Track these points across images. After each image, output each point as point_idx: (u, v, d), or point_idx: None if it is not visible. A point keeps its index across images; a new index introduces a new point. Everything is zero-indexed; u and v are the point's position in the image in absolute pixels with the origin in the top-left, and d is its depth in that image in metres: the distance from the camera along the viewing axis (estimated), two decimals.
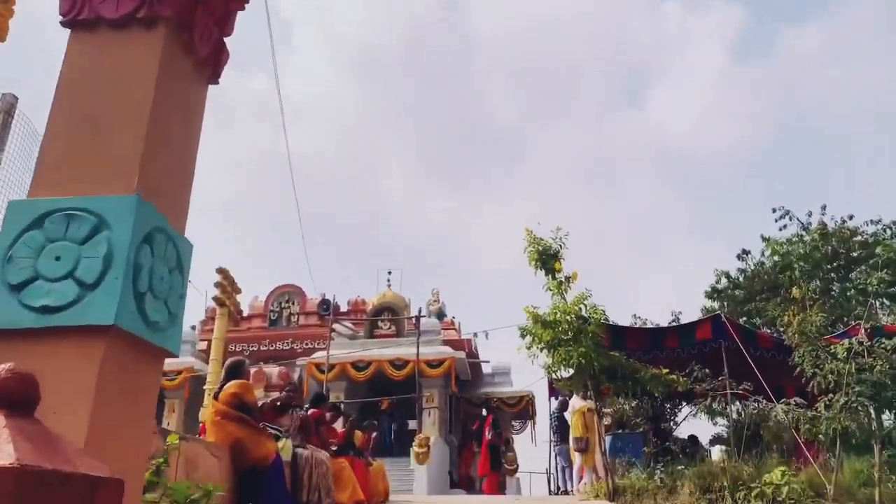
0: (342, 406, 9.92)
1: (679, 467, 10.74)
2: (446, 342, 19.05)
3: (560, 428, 12.35)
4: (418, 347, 16.66)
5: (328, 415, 7.79)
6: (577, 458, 11.52)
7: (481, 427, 15.98)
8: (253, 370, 18.98)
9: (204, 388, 15.69)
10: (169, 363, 18.74)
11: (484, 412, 16.13)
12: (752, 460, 9.50)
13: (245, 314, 21.96)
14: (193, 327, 21.63)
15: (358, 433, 9.08)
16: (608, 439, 10.32)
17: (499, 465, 15.05)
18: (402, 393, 17.68)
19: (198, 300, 19.54)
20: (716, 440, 18.62)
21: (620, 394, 9.89)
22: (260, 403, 6.56)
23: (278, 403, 6.59)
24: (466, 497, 11.48)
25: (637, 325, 25.40)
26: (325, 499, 6.24)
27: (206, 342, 18.74)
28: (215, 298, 15.97)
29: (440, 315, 21.84)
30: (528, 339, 9.84)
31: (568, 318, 9.68)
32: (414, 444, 14.55)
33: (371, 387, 19.06)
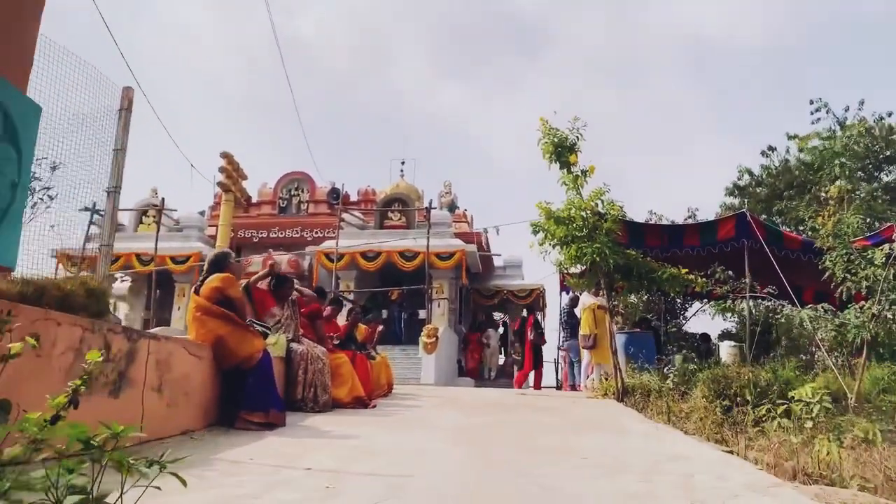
0: (343, 300, 9.63)
1: (690, 367, 10.59)
2: (457, 235, 18.67)
3: (570, 323, 12.12)
4: (428, 239, 16.29)
5: (328, 308, 7.48)
6: (585, 354, 11.36)
7: (523, 327, 15.82)
8: (262, 257, 18.88)
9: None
10: (177, 248, 18.67)
11: (525, 313, 15.98)
12: (768, 362, 9.23)
13: (254, 201, 21.62)
14: (202, 213, 21.38)
15: (361, 327, 8.84)
16: (621, 338, 10.05)
17: (540, 362, 14.98)
18: (412, 283, 17.53)
19: (207, 186, 19.16)
20: (724, 335, 18.56)
21: (634, 292, 9.49)
22: (244, 283, 6.24)
23: (271, 278, 6.27)
24: (471, 389, 11.43)
25: (654, 222, 25.01)
26: (322, 395, 6.01)
27: (215, 227, 18.52)
28: (220, 184, 15.57)
29: (452, 207, 21.36)
30: (541, 235, 9.37)
31: (583, 213, 9.16)
32: (422, 334, 14.49)
33: (381, 277, 18.93)
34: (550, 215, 9.13)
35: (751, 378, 7.60)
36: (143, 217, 19.63)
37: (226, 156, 15.56)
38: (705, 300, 15.53)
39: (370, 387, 7.33)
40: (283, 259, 18.69)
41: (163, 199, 19.04)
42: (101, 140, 3.91)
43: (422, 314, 18.01)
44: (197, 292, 4.81)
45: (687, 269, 9.21)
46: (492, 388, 12.30)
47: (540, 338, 14.84)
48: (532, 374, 14.04)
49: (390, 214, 18.71)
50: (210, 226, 19.93)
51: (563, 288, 14.17)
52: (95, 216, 18.31)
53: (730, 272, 8.96)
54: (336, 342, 7.32)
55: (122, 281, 20.44)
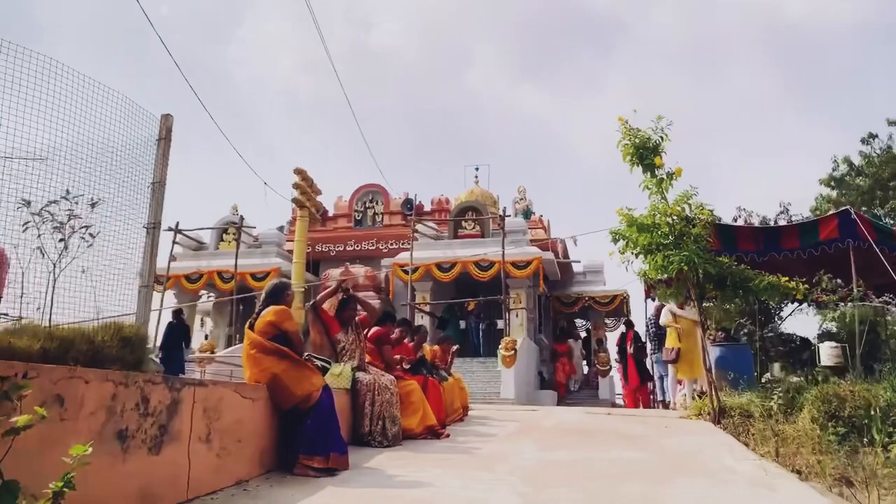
0: (415, 323, 9.30)
1: (794, 380, 9.65)
2: (533, 241, 18.08)
3: (658, 335, 11.37)
4: (504, 248, 15.81)
5: (396, 331, 7.14)
6: (670, 368, 10.64)
7: (623, 344, 15.13)
8: (339, 270, 18.91)
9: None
10: (256, 264, 18.94)
11: (624, 328, 15.23)
12: (884, 375, 8.28)
13: (330, 214, 21.75)
14: (281, 228, 21.68)
15: (435, 347, 8.48)
16: (714, 352, 9.26)
17: (647, 377, 14.22)
18: (489, 293, 17.09)
19: (285, 202, 19.42)
20: (824, 335, 17.15)
21: (729, 303, 8.70)
22: (310, 303, 5.97)
23: (340, 295, 5.99)
24: (552, 409, 10.87)
25: (744, 220, 23.52)
26: (391, 428, 5.66)
27: (293, 243, 18.68)
28: (294, 200, 15.60)
29: (527, 214, 20.76)
30: (622, 243, 8.75)
31: (668, 219, 8.48)
32: (500, 346, 14.02)
33: (457, 287, 18.57)
34: (633, 222, 8.49)
35: (867, 398, 6.76)
36: (224, 235, 20.06)
37: (299, 172, 15.60)
38: (805, 304, 14.38)
39: (443, 413, 6.95)
40: (359, 272, 18.66)
41: (241, 216, 19.43)
42: (144, 173, 3.68)
43: (500, 324, 17.52)
44: (251, 327, 4.54)
45: (787, 278, 8.34)
46: (574, 406, 11.69)
47: (641, 352, 14.11)
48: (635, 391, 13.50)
49: (464, 223, 18.34)
50: (288, 241, 20.15)
51: (649, 295, 13.40)
52: (179, 236, 18.88)
53: (838, 280, 8.05)
54: (406, 366, 6.97)
55: (209, 298, 20.98)
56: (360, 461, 4.70)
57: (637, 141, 8.18)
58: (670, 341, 10.02)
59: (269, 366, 4.33)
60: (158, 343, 12.59)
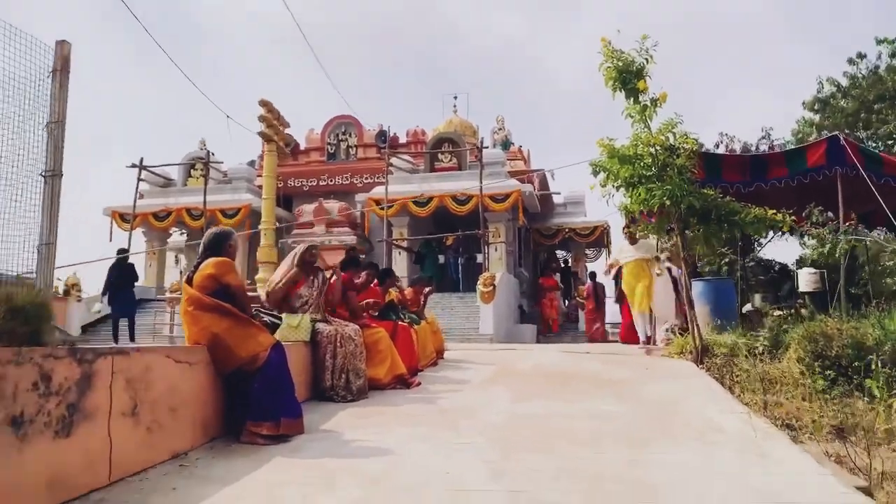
0: (392, 258, 8.82)
1: (777, 314, 9.44)
2: (512, 173, 17.55)
3: None
4: (481, 181, 15.28)
5: (363, 275, 6.69)
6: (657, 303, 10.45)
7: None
8: (313, 205, 18.33)
9: (259, 227, 15.14)
10: (227, 200, 18.27)
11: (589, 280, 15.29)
12: (869, 311, 8.06)
13: (302, 148, 20.96)
14: (252, 163, 20.92)
15: (407, 290, 8.07)
16: (696, 286, 8.96)
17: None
18: (467, 227, 16.67)
19: (253, 137, 18.62)
20: (802, 262, 17.03)
21: (714, 238, 8.32)
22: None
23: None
24: (531, 348, 10.62)
25: (726, 146, 23.02)
26: (355, 381, 5.29)
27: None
28: (260, 133, 14.84)
29: (506, 144, 20.14)
30: (602, 176, 8.29)
31: (651, 150, 8.00)
32: (479, 282, 13.69)
33: (434, 222, 18.11)
34: (614, 154, 8.00)
35: (855, 337, 6.49)
36: (192, 171, 19.28)
37: (265, 104, 14.77)
38: (789, 234, 14.12)
39: (414, 359, 6.60)
40: (333, 207, 18.09)
41: (209, 151, 18.62)
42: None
43: (479, 258, 17.19)
44: (189, 282, 4.06)
45: (774, 210, 7.96)
46: (555, 344, 11.46)
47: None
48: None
49: (441, 156, 17.71)
50: (259, 176, 19.41)
51: (627, 227, 13.05)
52: (144, 173, 18.09)
53: (829, 213, 7.68)
54: (374, 313, 6.56)
55: (181, 234, 20.38)
56: (319, 421, 4.33)
57: (620, 63, 7.59)
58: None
59: (209, 324, 3.87)
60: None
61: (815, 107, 25.72)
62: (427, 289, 7.96)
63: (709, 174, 9.47)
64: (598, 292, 16.02)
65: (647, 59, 7.62)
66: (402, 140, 20.41)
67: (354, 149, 20.35)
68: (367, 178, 18.96)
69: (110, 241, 17.68)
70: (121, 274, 11.73)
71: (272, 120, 14.99)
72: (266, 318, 4.33)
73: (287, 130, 17.77)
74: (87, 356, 2.96)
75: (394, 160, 17.47)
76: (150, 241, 18.98)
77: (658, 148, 8.00)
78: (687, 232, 8.37)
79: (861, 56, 25.04)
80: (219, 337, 3.86)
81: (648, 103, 7.67)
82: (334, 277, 5.99)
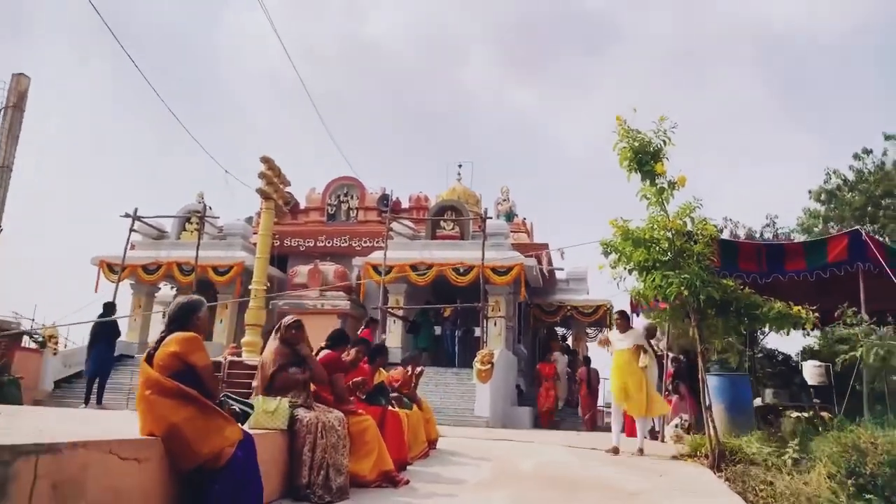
0: (377, 343, 8.19)
1: (794, 414, 8.79)
2: (515, 246, 17.13)
3: None
4: (483, 252, 14.83)
5: (352, 352, 6.11)
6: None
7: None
8: (308, 267, 17.81)
9: (249, 287, 14.57)
10: (220, 257, 17.71)
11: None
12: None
13: (302, 207, 20.64)
14: (249, 220, 20.54)
15: (397, 371, 7.47)
16: (712, 382, 8.35)
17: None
18: (467, 298, 16.12)
19: (252, 193, 18.31)
20: (807, 353, 16.44)
21: (731, 333, 7.80)
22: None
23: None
24: (531, 443, 9.95)
25: (730, 232, 22.79)
26: (335, 478, 4.63)
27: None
28: (259, 190, 14.43)
29: (509, 216, 19.83)
30: (613, 257, 7.83)
31: (668, 234, 7.56)
32: (476, 360, 13.04)
33: (433, 291, 17.59)
34: (628, 235, 7.56)
35: (892, 451, 5.87)
36: (187, 224, 18.85)
37: (266, 160, 14.41)
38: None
39: (404, 451, 5.95)
40: (329, 270, 17.59)
41: (204, 205, 18.24)
42: None
43: (478, 331, 16.56)
44: (149, 360, 3.50)
45: (797, 307, 7.44)
46: (555, 431, 10.72)
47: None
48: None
49: (443, 224, 17.33)
50: (255, 233, 18.98)
51: (635, 309, 12.51)
52: (137, 223, 17.64)
53: (864, 315, 7.19)
54: (362, 396, 5.95)
55: (172, 289, 19.79)
56: None
57: (636, 144, 7.24)
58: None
59: (167, 412, 3.28)
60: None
61: (822, 197, 25.60)
62: (419, 369, 7.34)
63: (724, 262, 9.02)
64: (591, 377, 15.33)
65: (664, 141, 7.28)
66: (405, 205, 20.11)
67: (355, 211, 20.02)
68: (366, 242, 18.53)
69: (96, 291, 17.09)
70: (101, 329, 11.08)
71: (272, 177, 14.61)
72: (235, 407, 3.73)
73: (287, 189, 17.45)
74: (4, 456, 2.37)
75: (394, 225, 17.09)
76: (138, 295, 18.36)
77: (674, 232, 7.58)
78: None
79: (867, 151, 25.12)
80: (177, 428, 3.26)
81: (666, 186, 7.27)
82: (324, 353, 5.44)
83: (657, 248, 7.61)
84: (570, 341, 21.44)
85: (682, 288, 6.94)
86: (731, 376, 8.75)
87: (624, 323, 8.66)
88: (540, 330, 20.91)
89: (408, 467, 5.95)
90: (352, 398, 5.59)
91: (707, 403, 7.25)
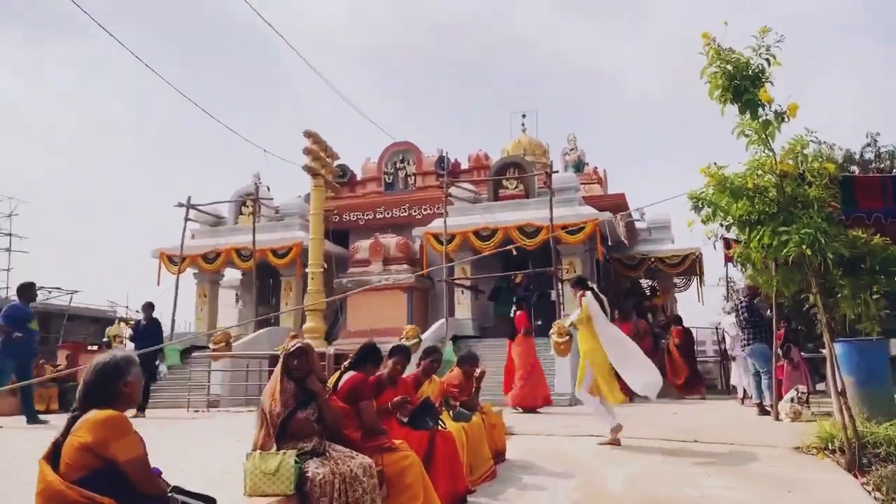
0: (455, 297, 6.83)
1: None
2: (588, 199, 15.58)
3: (752, 321, 8.93)
4: (551, 210, 13.40)
5: (389, 363, 5.01)
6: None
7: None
8: (369, 241, 16.89)
9: (306, 270, 13.80)
10: (277, 239, 16.93)
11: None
12: None
13: (359, 178, 19.68)
14: (307, 197, 19.73)
15: (452, 373, 6.34)
16: (840, 349, 6.79)
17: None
18: (538, 262, 14.81)
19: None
20: None
21: (859, 295, 6.21)
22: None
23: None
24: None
25: (833, 157, 20.29)
26: None
27: None
28: (306, 167, 13.52)
29: (579, 166, 18.20)
30: (706, 211, 6.37)
31: (774, 179, 6.04)
32: (552, 331, 11.80)
33: (502, 257, 16.34)
34: (725, 185, 6.07)
35: None
36: (243, 207, 18.23)
37: (310, 135, 13.48)
38: None
39: (461, 480, 4.83)
40: (391, 242, 16.59)
41: (257, 185, 17.53)
42: None
43: (553, 294, 15.24)
44: (54, 455, 2.46)
45: None
46: (641, 408, 9.35)
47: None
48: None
49: (505, 183, 15.92)
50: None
51: (729, 259, 10.90)
52: (193, 212, 17.12)
53: None
54: (404, 418, 4.85)
55: (243, 275, 19.40)
56: None
57: (730, 67, 5.68)
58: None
59: None
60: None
61: None
62: (480, 370, 6.18)
63: (842, 203, 7.36)
64: (683, 338, 13.84)
65: (768, 60, 5.69)
66: (465, 166, 18.78)
67: (413, 177, 18.86)
68: (426, 210, 17.37)
69: (158, 284, 16.79)
70: (144, 333, 10.43)
71: (318, 152, 13.68)
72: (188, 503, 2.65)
73: (338, 162, 16.49)
74: None
75: (453, 189, 15.83)
76: (202, 284, 17.99)
77: (784, 176, 6.03)
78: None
79: None
80: None
81: (772, 118, 5.71)
82: (347, 376, 4.36)
83: (763, 197, 6.09)
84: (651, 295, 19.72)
85: (804, 246, 5.43)
86: (863, 343, 7.12)
87: (575, 292, 7.20)
88: (623, 284, 19.34)
89: (468, 498, 4.85)
90: (392, 418, 4.50)
91: (839, 387, 5.77)
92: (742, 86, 5.60)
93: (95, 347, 15.35)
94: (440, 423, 5.01)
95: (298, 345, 3.96)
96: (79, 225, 73.07)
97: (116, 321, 15.85)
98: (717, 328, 18.16)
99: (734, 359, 11.10)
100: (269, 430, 3.77)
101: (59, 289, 27.67)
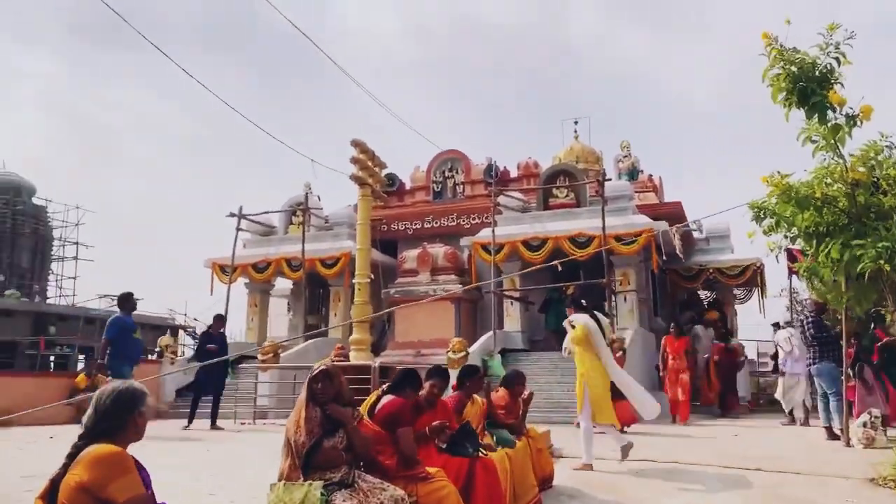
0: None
1: None
2: (642, 207, 15.06)
3: (819, 338, 8.35)
4: (604, 219, 12.96)
5: (426, 386, 4.75)
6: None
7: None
8: (417, 251, 16.75)
9: (353, 280, 13.72)
10: (326, 249, 16.94)
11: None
12: None
13: (408, 188, 19.57)
14: (356, 206, 19.75)
15: (499, 394, 6.04)
16: None
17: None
18: (590, 273, 14.37)
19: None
20: None
21: None
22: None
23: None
24: (669, 439, 8.27)
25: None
26: None
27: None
28: (353, 177, 13.42)
29: (633, 174, 17.63)
30: (769, 222, 5.95)
31: (845, 188, 5.59)
32: None
33: (551, 268, 15.93)
34: (790, 195, 5.64)
35: None
36: (293, 217, 18.35)
37: (357, 144, 13.37)
38: None
39: None
40: (439, 252, 16.39)
41: (307, 195, 17.61)
42: None
43: (607, 307, 14.74)
44: (51, 494, 2.31)
45: None
46: (695, 432, 8.85)
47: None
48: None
49: (555, 191, 15.53)
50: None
51: (794, 272, 10.30)
52: (244, 222, 17.33)
53: None
54: (443, 445, 4.59)
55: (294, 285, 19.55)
56: None
57: (795, 69, 5.26)
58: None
59: None
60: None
61: None
62: (527, 392, 5.87)
63: None
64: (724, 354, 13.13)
65: (837, 59, 5.24)
66: (514, 174, 18.45)
67: (461, 186, 18.61)
68: (475, 219, 17.10)
69: (211, 294, 17.02)
70: (211, 343, 10.45)
71: (366, 161, 13.56)
72: None
73: (386, 171, 16.41)
74: None
75: (502, 198, 15.53)
76: (253, 294, 18.17)
77: (855, 184, 5.57)
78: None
79: None
80: None
81: (843, 121, 5.25)
82: (386, 400, 4.13)
83: (832, 207, 5.64)
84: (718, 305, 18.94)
85: (882, 261, 4.97)
86: None
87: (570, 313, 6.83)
88: (680, 296, 18.65)
89: None
90: (424, 455, 4.24)
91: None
92: (808, 88, 5.18)
93: (154, 357, 15.60)
94: (481, 449, 4.73)
95: (322, 367, 3.75)
96: (138, 235, 75.59)
97: (168, 332, 16.07)
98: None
99: (783, 374, 10.77)
100: (295, 461, 3.58)
101: None
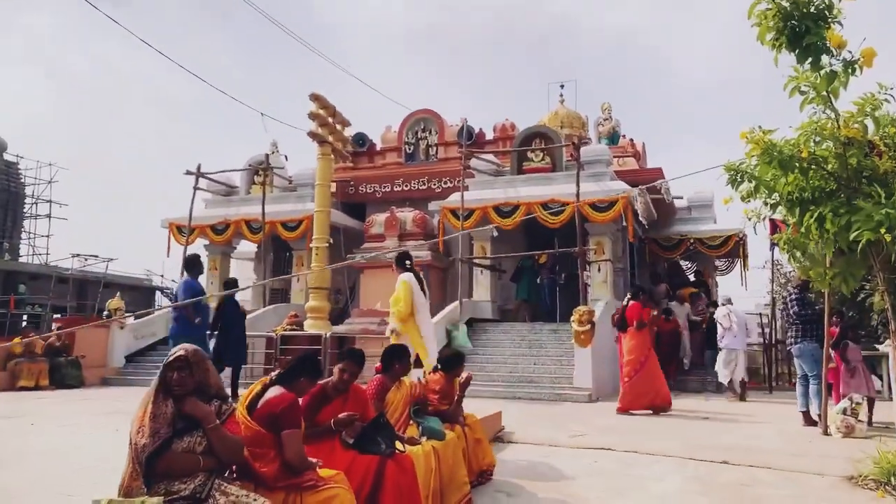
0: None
1: None
2: (623, 173, 14.28)
3: (802, 316, 7.69)
4: (578, 185, 12.18)
5: (335, 370, 4.00)
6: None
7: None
8: (384, 215, 15.94)
9: (310, 245, 12.93)
10: (289, 211, 15.94)
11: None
12: None
13: (378, 148, 18.65)
14: None
15: (429, 379, 5.33)
16: None
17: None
18: (565, 241, 13.67)
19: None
20: None
21: None
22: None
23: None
24: (645, 425, 7.63)
25: None
26: None
27: (335, 184, 15.85)
28: (311, 134, 12.56)
29: (614, 138, 16.80)
30: (746, 185, 5.23)
31: (836, 147, 4.86)
32: (572, 318, 10.67)
33: (524, 235, 15.20)
34: (771, 154, 4.88)
35: None
36: (255, 177, 17.41)
37: (317, 98, 12.49)
38: None
39: None
40: (407, 217, 15.59)
41: (268, 155, 16.68)
42: None
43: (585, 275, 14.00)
44: None
45: None
46: (667, 420, 8.22)
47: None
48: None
49: (531, 155, 14.69)
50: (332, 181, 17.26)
51: (775, 244, 9.62)
52: (206, 182, 16.36)
53: None
54: (350, 440, 3.87)
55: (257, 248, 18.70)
56: None
57: (787, 3, 4.45)
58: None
59: None
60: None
61: None
62: (465, 374, 5.14)
63: None
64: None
65: None
66: (490, 136, 17.55)
67: (435, 148, 17.72)
68: (447, 183, 16.25)
69: (167, 255, 16.18)
70: (230, 309, 9.40)
71: (325, 117, 12.69)
72: None
73: (355, 131, 15.53)
74: None
75: (475, 161, 14.68)
76: (213, 256, 17.30)
77: (848, 143, 4.82)
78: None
79: None
80: None
81: (839, 68, 4.47)
82: (271, 394, 3.36)
83: (819, 170, 4.90)
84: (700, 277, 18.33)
85: (883, 230, 4.24)
86: None
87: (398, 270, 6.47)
88: (659, 266, 17.99)
89: None
90: (317, 461, 3.49)
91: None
92: (802, 26, 4.38)
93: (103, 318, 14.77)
94: (399, 444, 4.01)
95: (181, 352, 2.97)
96: (111, 193, 74.00)
97: (117, 294, 15.23)
98: (761, 314, 16.80)
99: (720, 350, 10.94)
100: (136, 468, 2.83)
101: (95, 256, 27.68)
